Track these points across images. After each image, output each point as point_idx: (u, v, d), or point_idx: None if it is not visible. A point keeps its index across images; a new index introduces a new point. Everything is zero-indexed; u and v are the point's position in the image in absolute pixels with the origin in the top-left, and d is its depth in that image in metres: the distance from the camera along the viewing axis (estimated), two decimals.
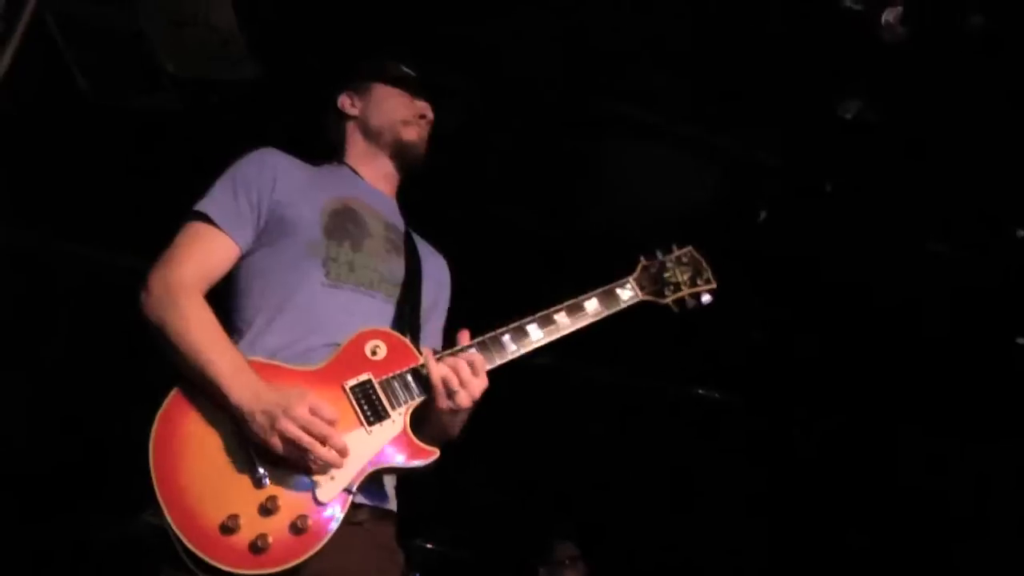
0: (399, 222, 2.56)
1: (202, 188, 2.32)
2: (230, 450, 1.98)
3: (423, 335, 2.39)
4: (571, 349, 2.38)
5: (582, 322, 2.36)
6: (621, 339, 2.47)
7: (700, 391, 6.45)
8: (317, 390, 2.06)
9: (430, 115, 2.63)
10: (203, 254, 2.21)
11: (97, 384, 4.78)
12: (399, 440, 2.10)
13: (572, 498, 6.01)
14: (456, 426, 2.26)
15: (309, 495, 1.97)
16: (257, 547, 1.89)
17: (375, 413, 2.09)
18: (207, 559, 1.86)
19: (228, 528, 1.89)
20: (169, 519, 1.88)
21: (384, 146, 2.58)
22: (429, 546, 4.53)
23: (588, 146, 4.42)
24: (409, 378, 2.16)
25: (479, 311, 2.35)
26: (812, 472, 6.46)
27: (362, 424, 2.08)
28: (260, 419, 1.95)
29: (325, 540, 1.96)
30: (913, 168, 4.19)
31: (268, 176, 2.33)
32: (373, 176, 2.58)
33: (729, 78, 3.84)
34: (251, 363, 2.06)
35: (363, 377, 2.12)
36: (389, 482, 2.24)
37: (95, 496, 4.56)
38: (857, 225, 4.61)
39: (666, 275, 2.53)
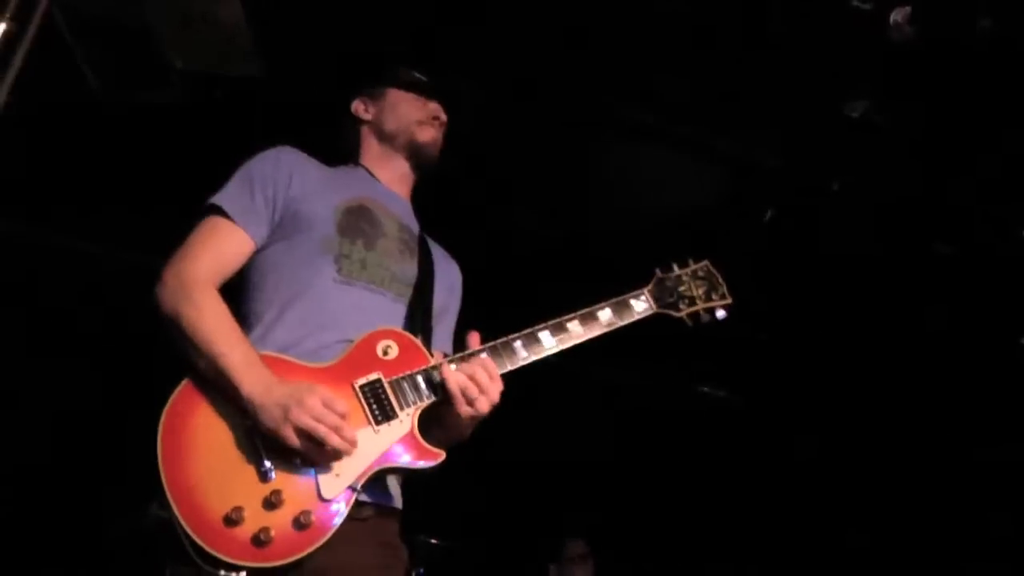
0: (414, 224, 2.59)
1: (210, 184, 2.33)
2: (237, 443, 2.00)
3: (434, 338, 2.40)
4: (582, 346, 2.38)
5: (594, 332, 2.36)
6: (633, 338, 2.47)
7: (706, 389, 6.45)
8: (327, 387, 2.07)
9: (443, 117, 2.67)
10: (218, 248, 2.23)
11: (105, 378, 4.80)
12: (406, 441, 2.11)
13: (582, 495, 6.03)
14: (469, 429, 2.27)
15: (314, 491, 1.99)
16: (260, 540, 1.90)
17: (383, 412, 2.11)
18: (210, 550, 1.88)
19: (232, 520, 1.90)
20: (175, 510, 1.90)
21: (400, 148, 2.62)
22: (434, 541, 4.55)
23: (594, 149, 4.42)
24: (419, 379, 2.17)
25: (487, 313, 2.36)
26: (818, 472, 6.47)
27: (370, 423, 2.09)
28: (273, 411, 1.96)
29: (327, 537, 1.97)
30: (918, 168, 4.19)
31: (284, 173, 2.35)
32: (389, 178, 2.61)
33: (735, 78, 3.84)
34: (262, 357, 2.07)
35: (373, 376, 2.14)
36: (394, 480, 2.26)
37: (105, 489, 4.57)
38: (863, 225, 4.61)
39: (681, 288, 2.53)
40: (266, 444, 1.99)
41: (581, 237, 4.96)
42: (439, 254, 2.59)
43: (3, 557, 4.52)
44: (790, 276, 5.09)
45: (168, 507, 1.91)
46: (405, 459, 2.09)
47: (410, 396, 2.15)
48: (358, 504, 2.05)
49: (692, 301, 2.52)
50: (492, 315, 2.34)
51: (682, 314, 2.51)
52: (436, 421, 2.19)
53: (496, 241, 4.67)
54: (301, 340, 2.17)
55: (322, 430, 1.97)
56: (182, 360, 2.09)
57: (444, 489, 2.26)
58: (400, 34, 3.80)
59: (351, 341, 2.17)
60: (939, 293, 5.08)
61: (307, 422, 1.96)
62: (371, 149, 2.65)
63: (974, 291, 5.04)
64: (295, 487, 1.98)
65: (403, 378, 2.16)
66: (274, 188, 2.32)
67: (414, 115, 2.63)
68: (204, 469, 1.95)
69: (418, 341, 2.26)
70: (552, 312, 2.36)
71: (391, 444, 2.09)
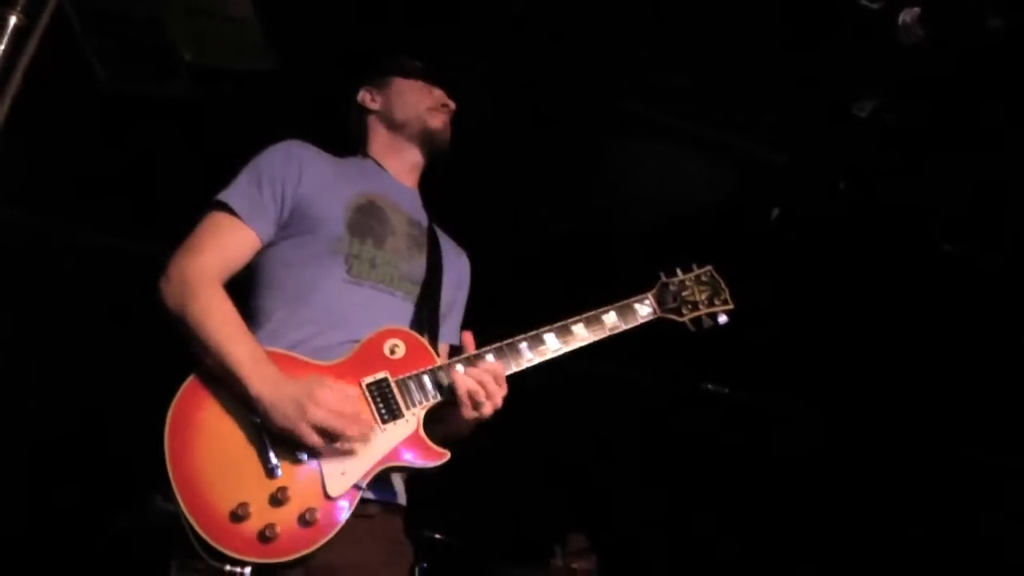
0: (423, 217, 2.58)
1: (220, 177, 2.32)
2: (243, 439, 2.01)
3: (441, 332, 2.42)
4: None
5: (599, 335, 2.39)
6: (638, 334, 2.49)
7: (710, 386, 6.46)
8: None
9: (451, 104, 2.66)
10: (224, 245, 2.22)
11: (111, 371, 4.82)
12: (411, 440, 2.12)
13: (585, 490, 6.04)
14: (469, 429, 2.29)
15: (319, 488, 2.00)
16: (265, 536, 1.92)
17: (390, 412, 2.12)
18: (216, 545, 1.89)
19: (238, 516, 1.92)
20: (181, 504, 1.91)
21: (410, 137, 2.61)
22: (437, 537, 4.55)
23: (601, 145, 4.42)
24: (425, 379, 2.18)
25: (493, 307, 2.36)
26: (821, 469, 6.48)
27: (376, 422, 2.11)
28: (286, 408, 1.97)
29: (332, 534, 1.98)
30: (927, 168, 4.19)
31: (294, 168, 2.33)
32: (398, 169, 2.60)
33: (744, 76, 3.83)
34: (270, 354, 2.08)
35: (380, 375, 2.15)
36: (398, 478, 2.27)
37: (109, 482, 4.59)
38: (870, 225, 4.61)
39: (684, 293, 2.55)
40: (273, 440, 2.00)
41: (587, 232, 4.95)
42: (448, 245, 2.60)
43: (10, 551, 4.54)
44: (795, 273, 5.10)
45: (175, 501, 1.92)
46: (410, 458, 2.11)
47: (416, 396, 2.16)
48: (363, 502, 2.06)
49: (695, 306, 2.55)
50: (495, 307, 2.34)
51: (685, 319, 2.54)
52: (438, 419, 2.20)
53: (501, 235, 4.67)
54: (309, 339, 2.17)
55: (340, 423, 1.98)
56: (188, 354, 2.09)
57: (447, 484, 2.27)
58: (412, 29, 3.80)
59: (358, 341, 2.18)
60: (949, 293, 5.08)
61: (323, 416, 1.97)
62: (380, 139, 2.63)
63: (983, 291, 5.04)
64: (301, 484, 1.99)
65: (409, 377, 2.17)
66: (283, 184, 2.30)
67: (423, 103, 2.62)
68: (211, 464, 1.96)
69: (425, 341, 2.27)
70: (554, 307, 2.37)
71: (397, 443, 2.11)
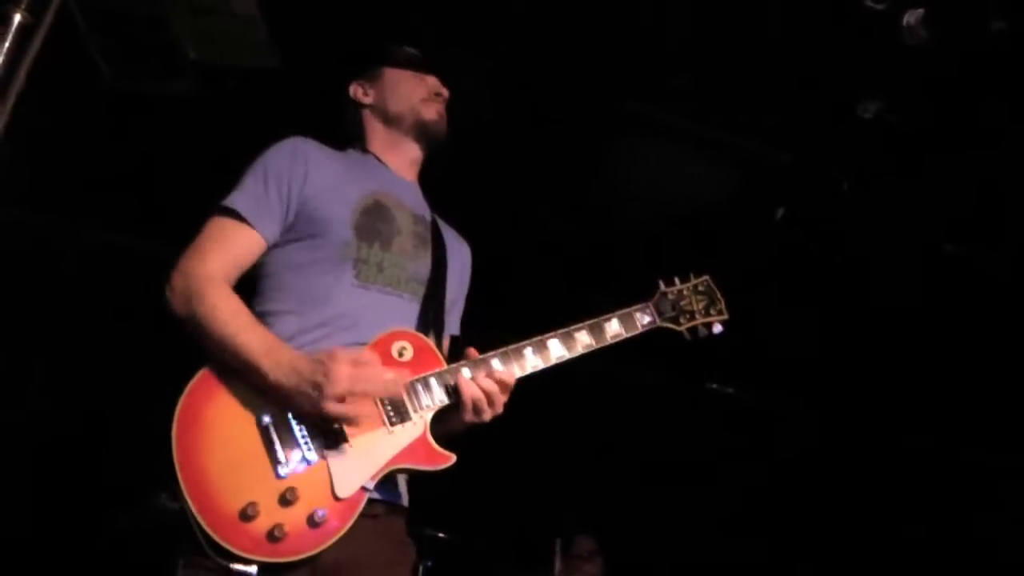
0: (426, 211, 2.57)
1: (224, 174, 2.31)
2: (253, 438, 2.02)
3: (445, 326, 2.44)
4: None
5: (601, 343, 2.44)
6: (642, 336, 2.53)
7: (715, 386, 6.46)
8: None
9: (445, 92, 2.62)
10: (230, 248, 2.21)
11: (116, 368, 4.83)
12: (418, 442, 2.14)
13: (592, 492, 6.04)
14: (465, 429, 2.29)
15: (328, 490, 2.02)
16: (274, 536, 1.93)
17: (398, 414, 2.14)
18: (224, 544, 1.90)
19: (247, 515, 1.93)
20: (190, 502, 1.92)
21: (407, 130, 2.57)
22: (441, 536, 4.56)
23: (603, 144, 4.42)
24: (433, 382, 2.20)
25: (494, 307, 2.37)
26: (826, 470, 6.48)
27: (385, 424, 2.12)
28: (307, 392, 1.99)
29: (340, 535, 2.00)
30: (929, 169, 4.18)
31: (300, 167, 2.31)
32: (398, 163, 2.58)
33: (747, 76, 3.83)
34: None
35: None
36: (402, 479, 2.28)
37: (111, 480, 4.60)
38: (873, 225, 4.60)
39: (683, 303, 2.62)
40: (282, 440, 2.02)
41: (587, 231, 4.96)
42: (450, 236, 2.60)
43: (13, 550, 4.55)
44: (802, 273, 5.10)
45: (183, 499, 1.93)
46: (417, 461, 2.13)
47: (424, 399, 2.18)
48: (369, 502, 2.08)
49: (692, 315, 2.62)
50: (496, 307, 2.35)
51: (682, 328, 2.61)
52: (435, 418, 2.22)
53: (501, 235, 4.66)
54: (318, 342, 2.17)
55: (361, 388, 2.02)
56: (197, 353, 2.09)
57: (451, 483, 2.28)
58: (417, 28, 3.80)
59: (365, 344, 2.19)
60: (951, 293, 5.08)
61: (347, 387, 1.99)
62: (378, 135, 2.59)
63: (984, 291, 5.04)
64: (310, 485, 2.01)
65: (417, 380, 2.19)
66: (289, 185, 2.29)
67: (417, 94, 2.57)
68: (220, 463, 1.97)
69: (431, 343, 2.29)
70: (553, 306, 2.38)
71: (405, 445, 2.13)
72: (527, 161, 4.56)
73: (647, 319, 2.54)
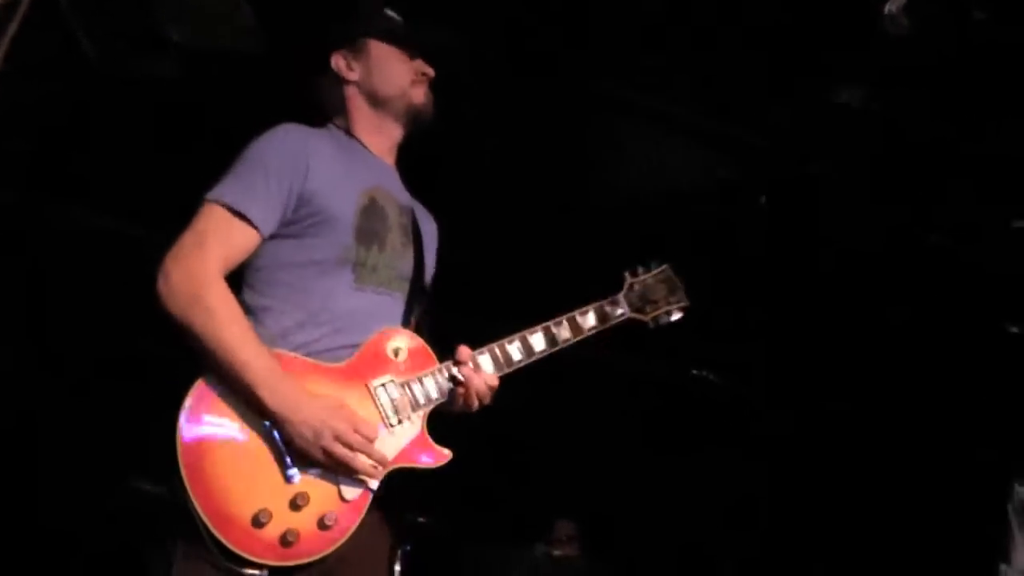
0: (406, 198, 2.54)
1: (209, 158, 2.26)
2: (260, 444, 2.04)
3: (427, 318, 2.48)
4: None
5: (579, 336, 2.53)
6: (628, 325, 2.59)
7: (702, 373, 6.47)
8: (344, 387, 2.15)
9: (431, 71, 2.54)
10: (225, 242, 2.14)
11: (105, 355, 4.81)
12: (417, 441, 2.21)
13: (573, 478, 6.07)
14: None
15: (336, 494, 2.08)
16: (287, 541, 1.98)
17: (396, 414, 2.20)
18: (238, 551, 1.94)
19: (259, 522, 1.96)
20: (200, 510, 1.93)
21: (396, 115, 2.50)
22: (421, 520, 4.58)
23: (585, 130, 4.42)
24: (428, 381, 2.27)
25: (477, 298, 2.39)
26: (812, 463, 6.50)
27: (385, 424, 2.18)
28: (302, 431, 2.02)
29: (348, 536, 2.07)
30: (913, 159, 4.21)
31: (301, 163, 2.24)
32: (380, 146, 2.51)
33: (729, 63, 3.84)
34: (278, 356, 2.09)
35: (386, 378, 2.22)
36: None
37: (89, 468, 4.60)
38: (857, 216, 4.63)
39: (648, 293, 2.71)
40: (290, 449, 2.05)
41: (568, 215, 4.95)
42: (422, 215, 2.58)
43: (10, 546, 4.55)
44: (787, 264, 5.11)
45: (188, 499, 1.93)
46: (417, 459, 2.20)
47: (420, 398, 2.24)
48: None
49: (656, 304, 2.71)
50: (476, 293, 2.38)
51: (647, 318, 2.70)
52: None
53: (482, 217, 4.65)
54: (313, 342, 2.19)
55: (351, 460, 2.05)
56: (191, 355, 2.06)
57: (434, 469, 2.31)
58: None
59: (360, 344, 2.22)
60: (932, 284, 5.10)
61: (338, 451, 2.03)
62: (363, 117, 2.49)
63: (968, 282, 5.06)
64: (319, 489, 2.06)
65: (413, 380, 2.25)
66: (290, 180, 2.21)
67: (406, 76, 2.48)
68: (228, 470, 1.99)
69: (424, 342, 2.33)
70: (537, 294, 2.41)
71: (405, 445, 2.19)
72: (506, 149, 4.54)
73: (619, 311, 2.64)
